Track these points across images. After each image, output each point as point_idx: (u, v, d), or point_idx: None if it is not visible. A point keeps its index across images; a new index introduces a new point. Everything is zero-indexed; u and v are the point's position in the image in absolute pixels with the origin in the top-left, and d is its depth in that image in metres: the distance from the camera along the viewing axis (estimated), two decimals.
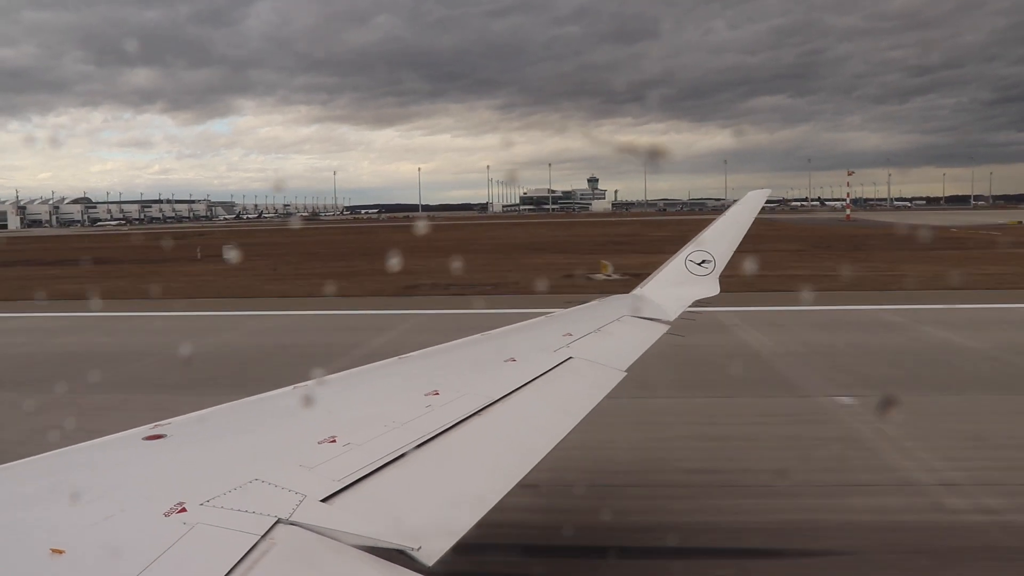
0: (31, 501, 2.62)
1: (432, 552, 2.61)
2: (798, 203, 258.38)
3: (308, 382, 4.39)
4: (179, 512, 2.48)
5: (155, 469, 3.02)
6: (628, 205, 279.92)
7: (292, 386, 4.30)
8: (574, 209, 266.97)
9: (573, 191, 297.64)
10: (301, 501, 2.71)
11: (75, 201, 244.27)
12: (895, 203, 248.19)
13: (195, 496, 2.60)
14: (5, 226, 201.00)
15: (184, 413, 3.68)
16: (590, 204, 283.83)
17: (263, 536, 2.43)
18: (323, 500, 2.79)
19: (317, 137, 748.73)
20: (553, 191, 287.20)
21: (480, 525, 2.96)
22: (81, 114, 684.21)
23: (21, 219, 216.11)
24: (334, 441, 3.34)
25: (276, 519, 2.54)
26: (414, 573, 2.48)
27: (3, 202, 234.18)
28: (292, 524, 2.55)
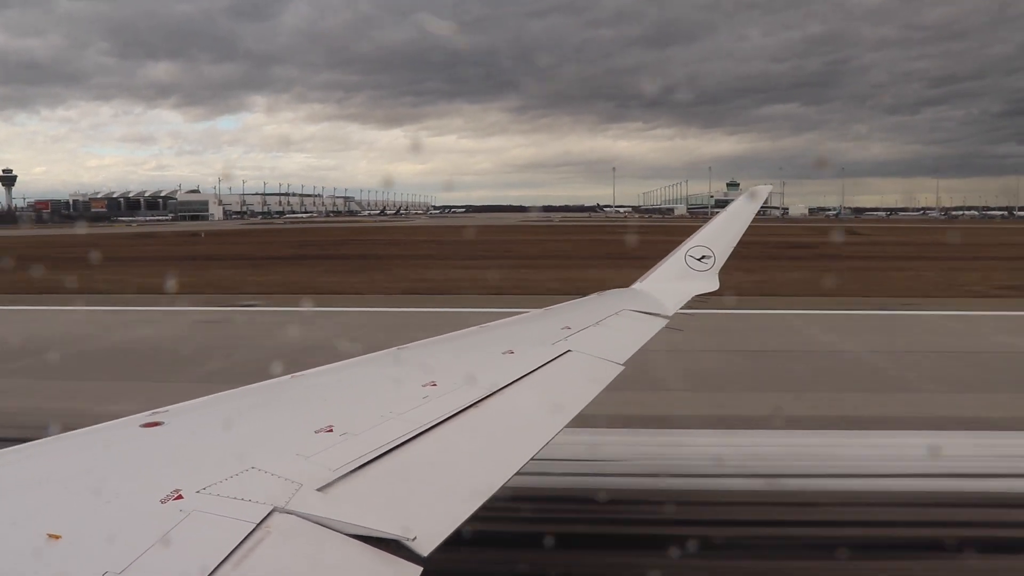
0: (28, 486, 2.63)
1: (427, 542, 2.62)
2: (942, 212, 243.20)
3: (306, 371, 4.40)
4: (175, 499, 2.49)
5: (152, 456, 3.02)
6: (822, 210, 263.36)
7: (290, 375, 4.31)
8: (777, 213, 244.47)
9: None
10: (297, 490, 2.72)
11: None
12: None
13: (192, 483, 2.60)
14: (206, 217, 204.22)
15: None
16: (785, 209, 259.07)
17: (259, 524, 2.44)
18: (319, 489, 2.80)
19: (321, 136, 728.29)
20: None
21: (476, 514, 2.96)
22: (91, 108, 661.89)
23: (224, 210, 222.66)
24: (331, 431, 3.34)
25: (272, 507, 2.55)
26: (409, 563, 2.49)
27: (195, 191, 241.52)
28: (288, 512, 2.56)
